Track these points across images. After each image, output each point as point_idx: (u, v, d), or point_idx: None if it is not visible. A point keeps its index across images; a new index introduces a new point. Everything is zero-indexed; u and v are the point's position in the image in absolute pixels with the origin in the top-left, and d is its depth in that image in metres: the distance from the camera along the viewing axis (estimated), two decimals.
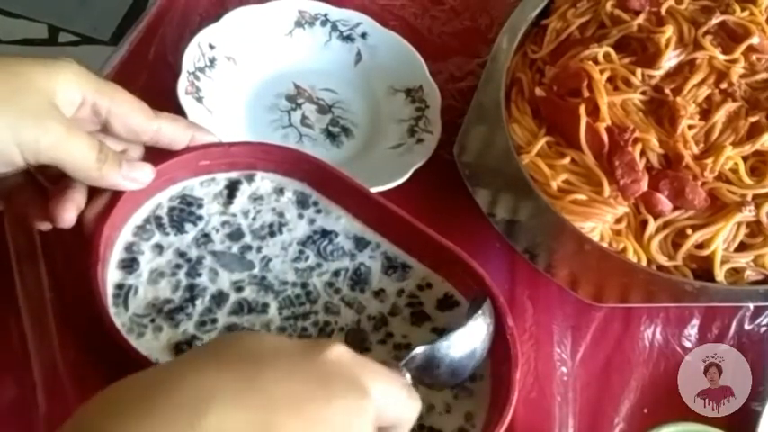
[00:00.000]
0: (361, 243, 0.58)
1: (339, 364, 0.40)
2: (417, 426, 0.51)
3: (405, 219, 0.56)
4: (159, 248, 0.55)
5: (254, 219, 0.58)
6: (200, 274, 0.55)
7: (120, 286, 0.53)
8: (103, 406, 0.36)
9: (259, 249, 0.57)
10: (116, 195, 0.51)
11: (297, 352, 0.40)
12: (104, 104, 0.49)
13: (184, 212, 0.56)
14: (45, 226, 0.51)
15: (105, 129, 0.50)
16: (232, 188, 0.58)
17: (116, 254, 0.54)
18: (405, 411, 0.43)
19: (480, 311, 0.52)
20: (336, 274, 0.57)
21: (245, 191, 0.58)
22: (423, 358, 0.49)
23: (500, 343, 0.53)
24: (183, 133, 0.54)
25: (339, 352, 0.40)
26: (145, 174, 0.52)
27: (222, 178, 0.58)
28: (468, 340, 0.51)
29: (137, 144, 0.53)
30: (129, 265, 0.54)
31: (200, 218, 0.57)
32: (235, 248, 0.56)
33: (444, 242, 0.56)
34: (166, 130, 0.53)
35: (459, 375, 0.52)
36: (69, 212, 0.49)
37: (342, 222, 0.58)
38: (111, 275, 0.53)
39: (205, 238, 0.56)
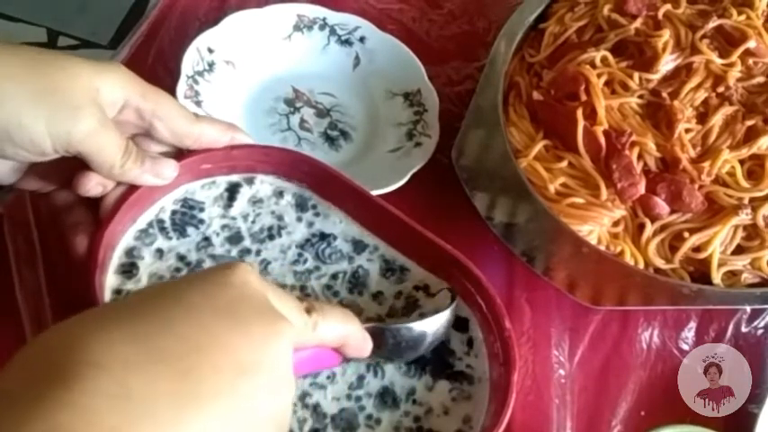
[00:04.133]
0: (359, 246, 0.58)
1: (247, 288, 0.40)
2: (416, 428, 0.52)
3: (403, 221, 0.56)
4: (160, 253, 0.55)
5: (253, 222, 0.58)
6: None
7: (118, 291, 0.53)
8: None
9: (258, 253, 0.57)
10: (123, 197, 0.52)
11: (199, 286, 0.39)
12: (149, 108, 0.50)
13: (186, 216, 0.56)
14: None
15: (148, 132, 0.51)
16: (232, 191, 0.58)
17: (116, 258, 0.54)
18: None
19: (443, 314, 0.53)
20: (335, 277, 0.57)
21: (244, 194, 0.58)
22: (370, 332, 0.50)
23: (498, 346, 0.53)
24: (224, 135, 0.54)
25: (245, 278, 0.40)
26: (169, 169, 0.53)
27: (223, 181, 0.58)
28: (419, 332, 0.52)
29: (177, 147, 0.54)
30: (129, 269, 0.54)
31: (201, 221, 0.57)
32: (234, 252, 0.56)
33: (442, 245, 0.56)
34: (208, 133, 0.53)
35: (402, 357, 0.53)
36: (91, 182, 0.50)
37: (340, 225, 0.58)
38: (110, 280, 0.53)
39: (206, 241, 0.56)
